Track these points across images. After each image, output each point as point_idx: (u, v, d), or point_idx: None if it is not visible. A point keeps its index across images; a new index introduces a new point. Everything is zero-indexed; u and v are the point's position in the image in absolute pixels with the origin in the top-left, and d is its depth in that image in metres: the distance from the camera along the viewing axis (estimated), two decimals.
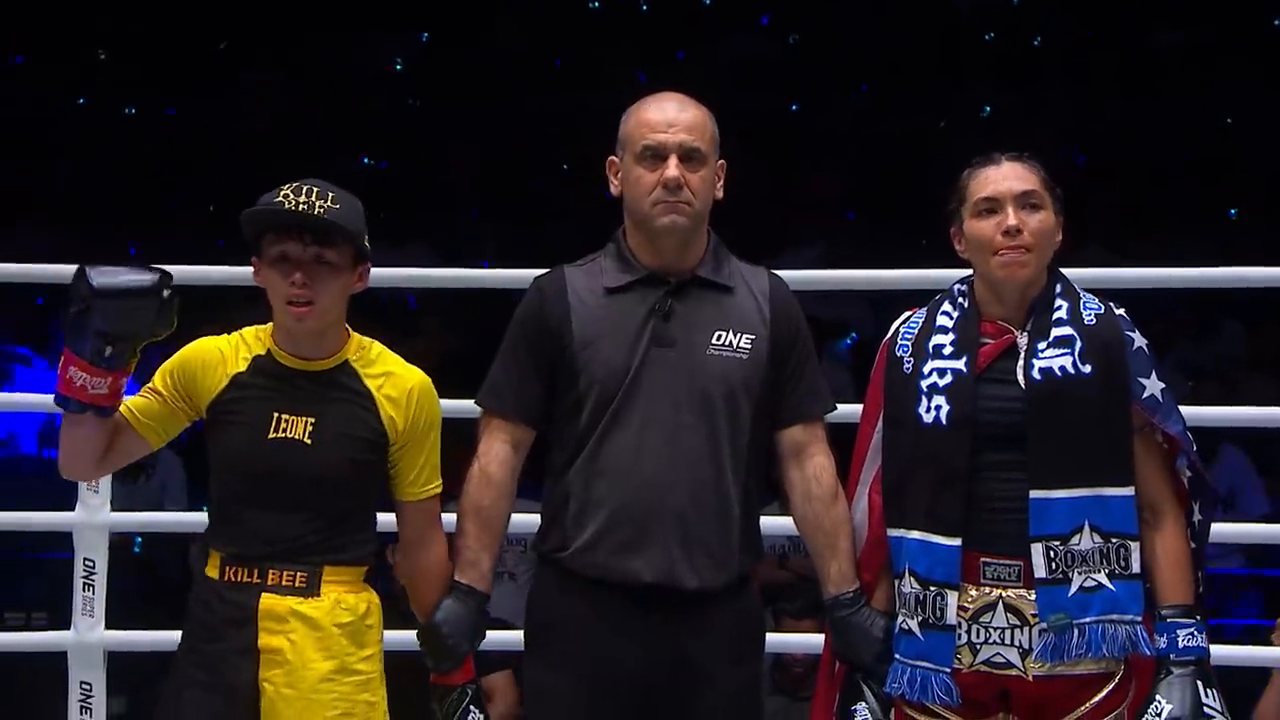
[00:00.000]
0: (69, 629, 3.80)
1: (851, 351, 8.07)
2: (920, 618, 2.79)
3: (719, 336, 2.85)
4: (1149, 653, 2.77)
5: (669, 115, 2.85)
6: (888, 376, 2.89)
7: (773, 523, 4.26)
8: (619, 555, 2.80)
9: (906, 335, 2.89)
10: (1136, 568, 2.77)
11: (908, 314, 2.95)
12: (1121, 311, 2.86)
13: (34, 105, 9.22)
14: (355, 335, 2.91)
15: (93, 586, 3.76)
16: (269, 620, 2.80)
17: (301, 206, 2.80)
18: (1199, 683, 2.74)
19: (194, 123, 9.30)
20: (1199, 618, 2.79)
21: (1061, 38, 9.61)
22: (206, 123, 9.24)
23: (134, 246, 7.71)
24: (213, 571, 2.85)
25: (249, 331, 2.92)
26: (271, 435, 2.83)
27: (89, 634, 3.75)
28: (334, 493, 2.84)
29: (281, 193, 2.83)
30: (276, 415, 2.83)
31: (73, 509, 3.78)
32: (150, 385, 2.91)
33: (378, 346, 2.92)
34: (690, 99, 2.90)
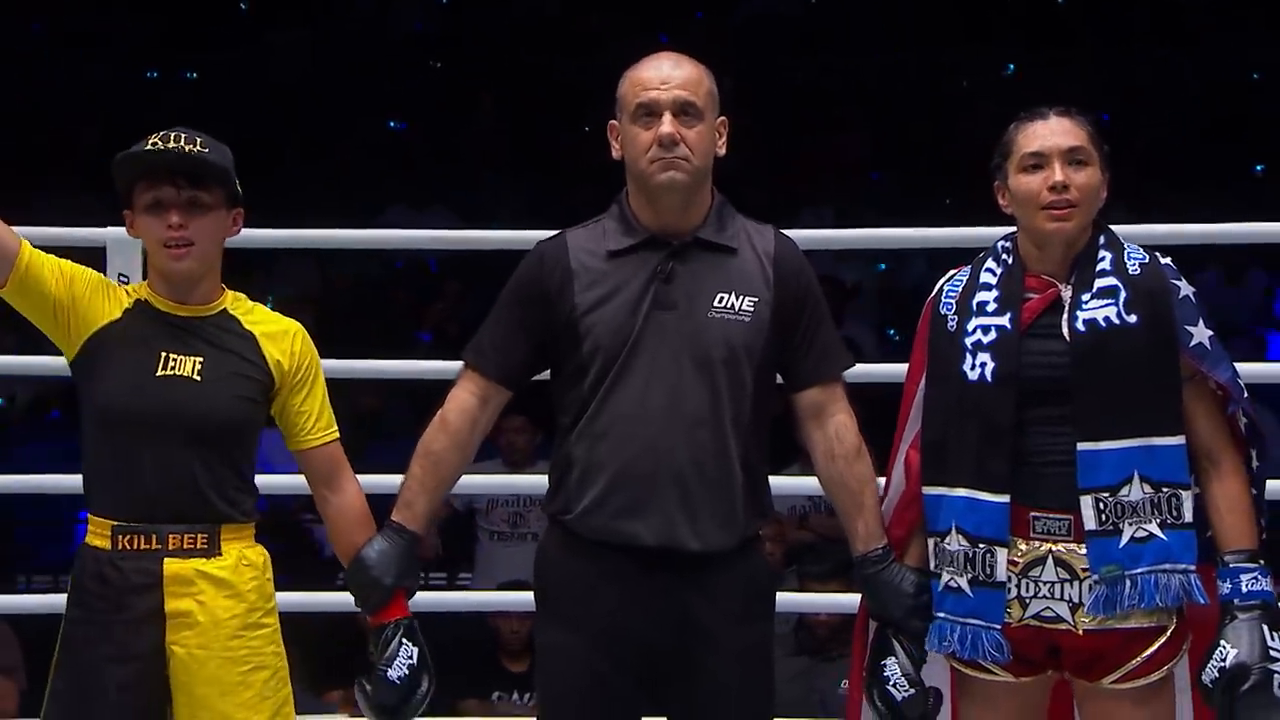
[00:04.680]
0: None
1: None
2: (970, 575, 2.77)
3: (721, 299, 2.82)
4: (1203, 601, 2.73)
5: (663, 73, 2.82)
6: (932, 334, 2.86)
7: (792, 483, 4.28)
8: (621, 519, 2.79)
9: (950, 293, 2.86)
10: (1189, 517, 2.74)
11: (953, 271, 2.91)
12: (1168, 260, 2.83)
13: (55, 71, 9.22)
14: (229, 290, 2.90)
15: None
16: (175, 585, 2.78)
17: (172, 149, 2.80)
18: (1265, 627, 2.71)
19: (216, 85, 9.30)
20: (1263, 562, 2.75)
21: None
22: (229, 85, 9.25)
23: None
24: (100, 542, 2.80)
25: (128, 286, 2.91)
26: (160, 373, 2.79)
27: None
28: (226, 436, 2.81)
29: (150, 141, 2.82)
30: (164, 353, 2.80)
31: None
32: (59, 262, 2.83)
33: (249, 300, 2.92)
34: (686, 56, 2.87)
